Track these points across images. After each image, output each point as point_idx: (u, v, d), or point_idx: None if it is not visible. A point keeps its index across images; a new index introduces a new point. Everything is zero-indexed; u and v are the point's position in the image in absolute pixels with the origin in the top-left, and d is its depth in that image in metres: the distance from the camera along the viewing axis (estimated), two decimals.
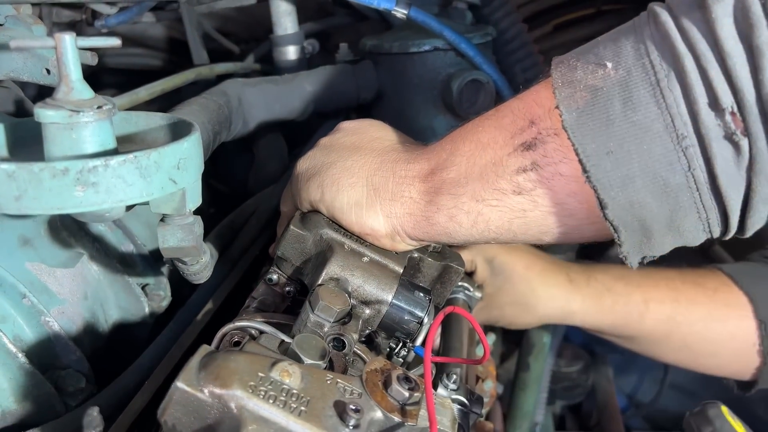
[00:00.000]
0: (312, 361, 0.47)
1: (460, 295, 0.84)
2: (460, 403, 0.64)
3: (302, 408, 0.41)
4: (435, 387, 0.63)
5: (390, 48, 0.96)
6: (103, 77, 1.39)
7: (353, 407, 0.42)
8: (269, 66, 1.17)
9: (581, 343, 1.68)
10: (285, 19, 1.07)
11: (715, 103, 0.42)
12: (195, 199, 0.51)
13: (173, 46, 1.39)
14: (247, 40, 1.47)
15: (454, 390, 0.65)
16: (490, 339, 0.96)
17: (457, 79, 0.92)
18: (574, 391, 1.57)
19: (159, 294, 0.73)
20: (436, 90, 0.96)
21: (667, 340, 0.92)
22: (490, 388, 0.85)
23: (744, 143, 0.42)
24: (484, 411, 0.74)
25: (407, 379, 0.46)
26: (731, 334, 0.89)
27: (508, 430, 1.25)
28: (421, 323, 0.59)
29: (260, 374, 0.42)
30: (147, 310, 0.71)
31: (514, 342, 1.60)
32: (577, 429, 1.64)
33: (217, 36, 1.25)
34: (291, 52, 1.09)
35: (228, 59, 1.29)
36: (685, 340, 0.91)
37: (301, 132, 1.06)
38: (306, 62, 1.11)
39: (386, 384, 0.46)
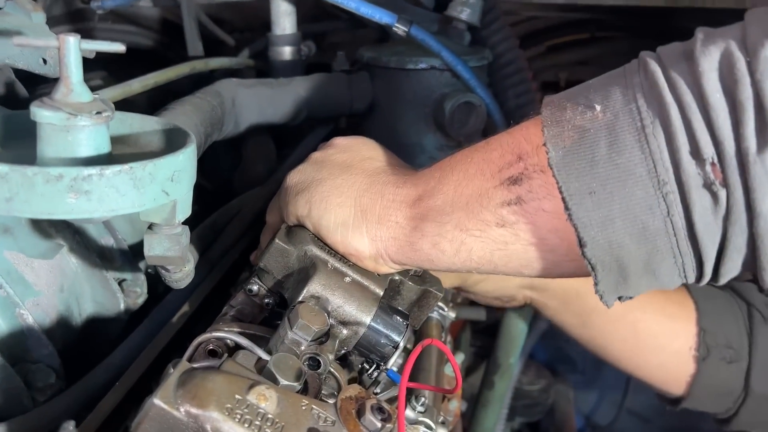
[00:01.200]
0: (287, 383, 0.48)
1: (435, 315, 0.85)
2: (427, 426, 0.65)
3: None
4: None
5: (387, 62, 0.96)
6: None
7: None
8: (264, 62, 1.16)
9: (545, 362, 1.71)
10: (284, 19, 1.07)
11: (696, 153, 0.44)
12: (185, 211, 0.51)
13: (166, 26, 1.37)
14: (242, 30, 1.46)
15: (421, 413, 0.66)
16: (458, 358, 0.97)
17: (451, 100, 0.93)
18: (534, 408, 1.59)
19: (135, 291, 0.72)
20: (429, 108, 0.97)
21: (619, 323, 0.94)
22: (455, 407, 0.86)
23: (722, 194, 0.44)
24: (447, 430, 0.75)
25: (381, 410, 0.47)
26: (675, 332, 0.92)
27: None
28: (396, 347, 0.60)
29: (237, 396, 0.42)
30: (122, 306, 0.71)
31: (479, 356, 1.62)
32: None
33: (213, 27, 1.24)
34: (287, 53, 1.09)
35: (222, 49, 1.28)
36: (634, 328, 0.93)
37: (291, 135, 1.06)
38: (301, 64, 1.11)
39: (360, 413, 0.47)
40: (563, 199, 0.47)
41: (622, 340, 0.96)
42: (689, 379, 0.92)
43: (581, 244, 0.48)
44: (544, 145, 0.49)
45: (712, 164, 0.43)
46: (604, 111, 0.47)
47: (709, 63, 0.44)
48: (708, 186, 0.44)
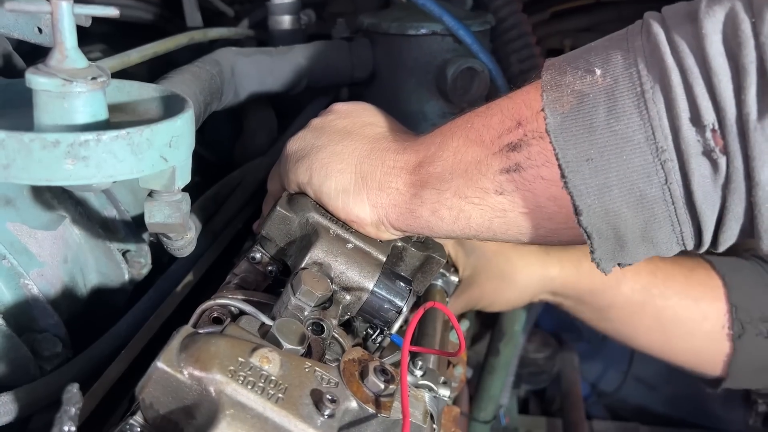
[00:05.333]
0: (291, 347, 0.48)
1: (438, 281, 0.85)
2: (429, 389, 0.66)
3: (280, 395, 0.42)
4: None
5: (387, 28, 0.95)
6: (91, 26, 1.36)
7: (330, 397, 0.43)
8: (264, 32, 1.15)
9: (550, 331, 1.72)
10: None
11: (697, 119, 0.43)
12: (184, 177, 0.51)
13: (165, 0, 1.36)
14: (242, 2, 1.44)
15: (421, 376, 0.66)
16: (464, 325, 0.98)
17: (453, 66, 0.92)
18: (539, 376, 1.61)
19: (139, 261, 0.72)
20: (431, 75, 0.95)
21: (641, 314, 0.90)
22: (460, 373, 0.86)
23: (722, 161, 0.43)
24: (452, 395, 0.75)
25: (384, 372, 0.47)
26: (704, 314, 0.87)
27: (473, 412, 1.28)
28: (399, 312, 0.60)
29: (240, 359, 0.42)
30: (126, 276, 0.71)
31: (485, 325, 1.63)
32: (540, 413, 1.69)
33: None
34: (286, 22, 1.08)
35: (222, 21, 1.27)
36: (658, 316, 0.90)
37: (292, 105, 1.05)
38: (301, 32, 1.10)
39: (363, 375, 0.47)
40: (560, 166, 0.46)
41: (647, 331, 0.92)
42: (726, 359, 0.87)
43: (577, 213, 0.47)
44: (543, 110, 0.48)
45: (713, 131, 0.42)
46: (604, 75, 0.46)
47: (713, 25, 0.42)
48: (708, 153, 0.43)
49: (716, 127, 0.42)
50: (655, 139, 0.44)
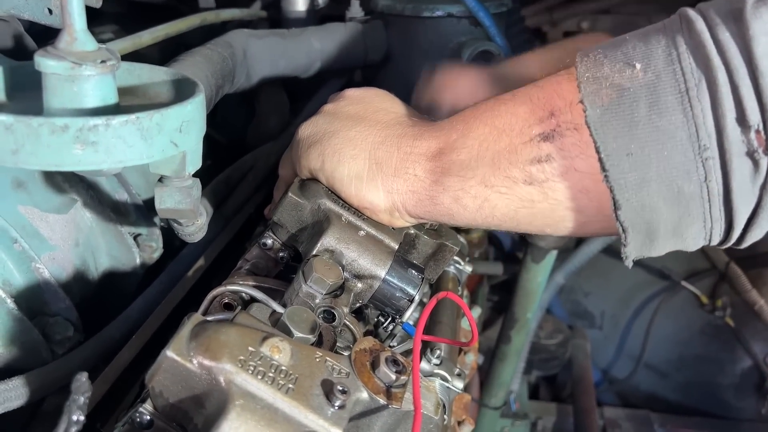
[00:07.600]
0: (302, 335, 0.47)
1: (451, 269, 0.84)
2: (443, 378, 0.65)
3: (290, 386, 0.41)
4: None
5: (402, 10, 0.93)
6: (104, 6, 1.35)
7: (340, 388, 0.42)
8: (277, 13, 1.13)
9: (562, 317, 1.71)
10: None
11: (742, 120, 0.42)
12: (195, 162, 0.50)
13: None
14: None
15: (437, 365, 0.66)
16: (475, 312, 0.97)
17: (468, 49, 0.90)
18: (551, 362, 1.60)
19: (151, 245, 0.72)
20: (445, 58, 0.94)
21: None
22: (471, 360, 0.86)
23: (764, 161, 0.43)
24: (463, 383, 0.75)
25: (395, 362, 0.46)
26: None
27: (484, 399, 1.28)
28: (411, 301, 0.59)
29: (250, 348, 0.42)
30: (138, 260, 0.71)
31: (496, 310, 1.63)
32: (551, 399, 1.69)
33: None
34: (300, 3, 1.07)
35: (234, 2, 1.26)
36: None
37: (304, 88, 1.04)
38: (314, 14, 1.08)
39: (374, 365, 0.46)
40: (600, 159, 0.46)
41: None
42: None
43: (616, 207, 0.47)
44: (581, 102, 0.47)
45: (757, 132, 0.42)
46: (645, 70, 0.45)
47: (760, 26, 0.42)
48: (750, 154, 0.43)
49: (761, 128, 0.42)
50: (698, 137, 0.43)
